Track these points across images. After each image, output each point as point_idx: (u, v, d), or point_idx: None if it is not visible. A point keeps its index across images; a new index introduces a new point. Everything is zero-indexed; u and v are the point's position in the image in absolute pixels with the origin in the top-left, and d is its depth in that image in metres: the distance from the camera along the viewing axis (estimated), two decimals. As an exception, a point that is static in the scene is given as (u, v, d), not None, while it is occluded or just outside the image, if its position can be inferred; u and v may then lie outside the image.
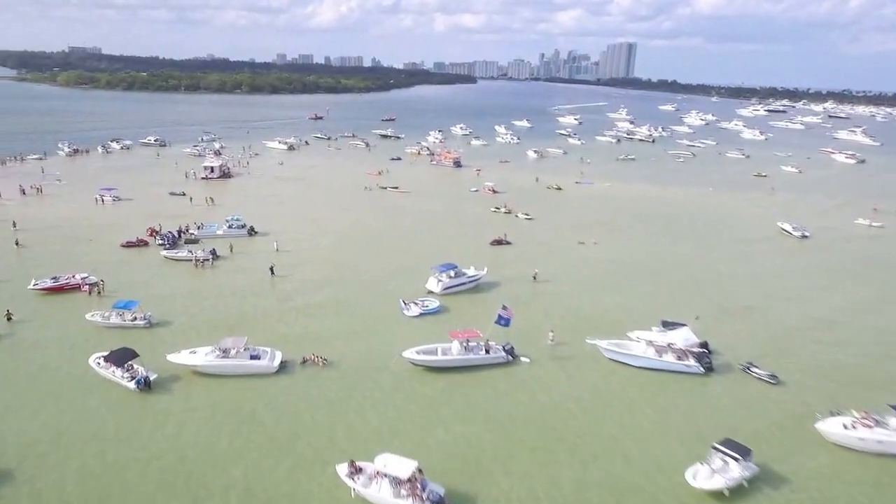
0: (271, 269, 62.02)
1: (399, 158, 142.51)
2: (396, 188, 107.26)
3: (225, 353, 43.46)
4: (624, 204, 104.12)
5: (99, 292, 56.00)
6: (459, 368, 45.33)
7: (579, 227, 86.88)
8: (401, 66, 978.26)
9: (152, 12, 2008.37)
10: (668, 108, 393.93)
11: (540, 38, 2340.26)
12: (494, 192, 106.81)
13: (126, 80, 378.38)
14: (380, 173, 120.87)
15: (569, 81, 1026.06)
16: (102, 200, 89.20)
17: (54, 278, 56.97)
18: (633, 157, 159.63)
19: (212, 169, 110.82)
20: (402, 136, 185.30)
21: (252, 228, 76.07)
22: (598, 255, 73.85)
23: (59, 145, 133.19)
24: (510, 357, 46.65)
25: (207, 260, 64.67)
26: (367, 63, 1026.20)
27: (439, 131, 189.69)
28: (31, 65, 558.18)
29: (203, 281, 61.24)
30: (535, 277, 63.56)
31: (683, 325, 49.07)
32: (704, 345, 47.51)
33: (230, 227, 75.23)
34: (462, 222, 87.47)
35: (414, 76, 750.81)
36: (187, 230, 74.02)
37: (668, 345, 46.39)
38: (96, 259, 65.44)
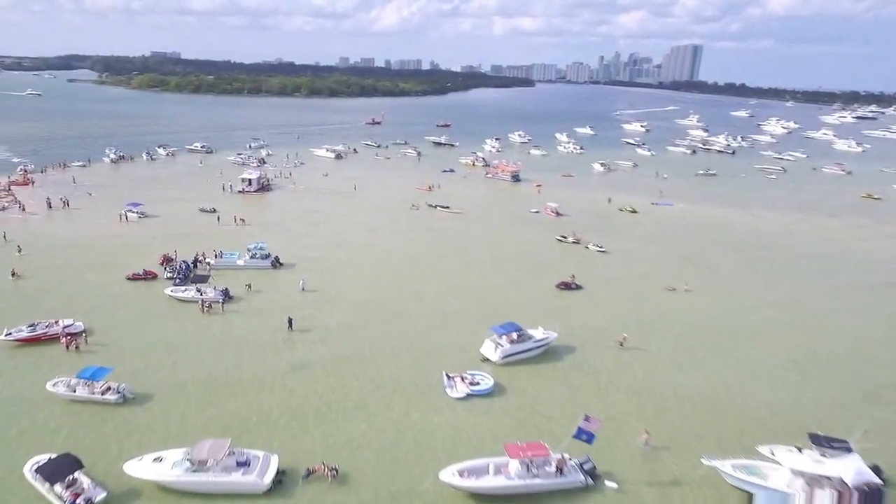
0: (290, 321, 49.72)
1: (452, 170, 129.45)
2: (447, 208, 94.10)
3: (200, 464, 31.24)
4: (711, 232, 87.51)
5: (77, 346, 45.13)
6: (519, 495, 31.76)
7: (663, 263, 71.41)
8: (458, 69, 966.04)
9: (228, 18, 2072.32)
10: (742, 114, 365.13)
11: (599, 40, 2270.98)
12: (558, 214, 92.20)
13: (193, 83, 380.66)
14: (430, 188, 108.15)
15: (629, 84, 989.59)
16: (126, 217, 79.84)
17: (31, 326, 46.55)
18: (713, 171, 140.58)
19: (249, 182, 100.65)
20: (457, 143, 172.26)
21: (277, 259, 64.44)
22: (692, 307, 58.31)
23: (106, 151, 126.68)
24: (590, 480, 32.67)
25: (217, 302, 53.17)
26: (425, 66, 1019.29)
27: (496, 139, 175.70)
28: (115, 68, 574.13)
29: (207, 331, 49.61)
30: (622, 343, 48.93)
31: (844, 443, 33.66)
32: (876, 470, 32.20)
33: (252, 256, 63.84)
34: (522, 254, 73.24)
35: (471, 79, 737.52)
36: (204, 259, 63.15)
37: (827, 477, 31.29)
38: (95, 294, 55.30)
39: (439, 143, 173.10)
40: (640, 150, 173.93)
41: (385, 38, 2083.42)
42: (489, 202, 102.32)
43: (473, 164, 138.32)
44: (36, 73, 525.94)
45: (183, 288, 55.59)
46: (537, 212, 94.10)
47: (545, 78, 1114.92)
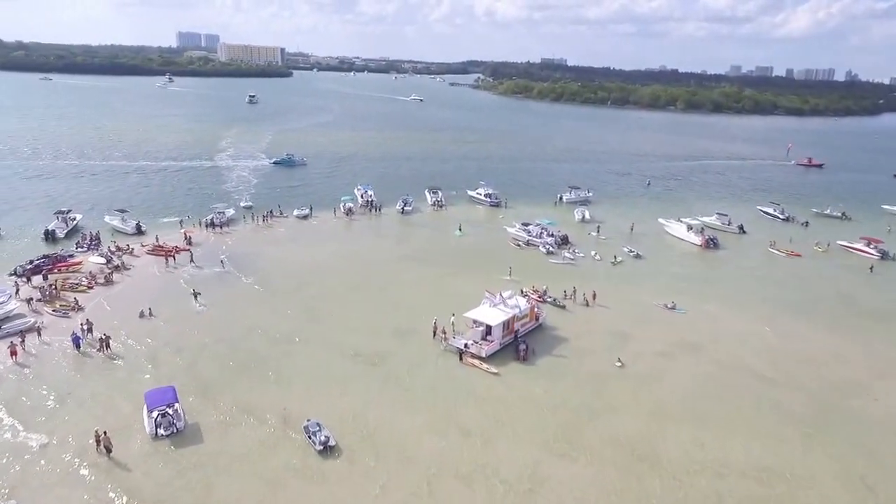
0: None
1: None
2: None
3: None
4: None
5: None
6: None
7: None
8: (886, 81, 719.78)
9: (618, 26, 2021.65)
10: None
11: None
12: None
13: (556, 90, 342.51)
14: None
15: None
16: (107, 448, 30.22)
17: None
18: None
19: (486, 333, 42.43)
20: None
21: None
22: None
23: (355, 192, 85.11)
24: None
25: None
26: (838, 77, 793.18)
27: None
28: (500, 73, 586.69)
29: None
30: None
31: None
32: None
33: None
34: None
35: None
36: None
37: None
38: None
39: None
40: None
41: (788, 44, 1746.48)
42: None
43: None
44: (432, 77, 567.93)
45: None
46: None
47: None
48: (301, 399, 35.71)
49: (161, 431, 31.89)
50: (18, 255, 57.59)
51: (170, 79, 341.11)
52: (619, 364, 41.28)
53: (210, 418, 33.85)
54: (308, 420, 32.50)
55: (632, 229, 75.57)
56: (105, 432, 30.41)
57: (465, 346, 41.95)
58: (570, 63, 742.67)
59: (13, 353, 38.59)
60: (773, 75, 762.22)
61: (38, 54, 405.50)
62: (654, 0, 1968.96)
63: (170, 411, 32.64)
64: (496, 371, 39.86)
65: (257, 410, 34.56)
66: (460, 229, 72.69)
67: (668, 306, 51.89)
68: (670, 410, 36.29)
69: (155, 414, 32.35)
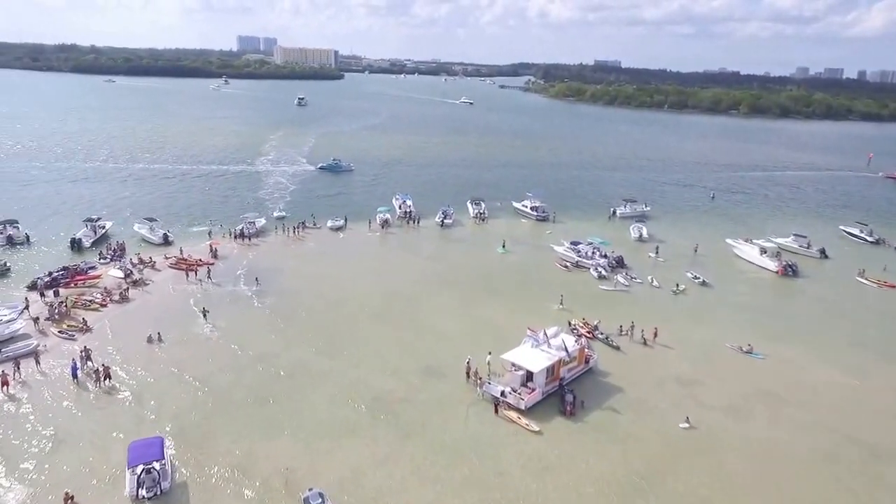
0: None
1: None
2: None
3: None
4: None
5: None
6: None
7: None
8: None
9: (676, 27, 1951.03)
10: None
11: None
12: None
13: (609, 93, 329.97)
14: None
15: None
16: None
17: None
18: None
19: (528, 378, 36.04)
20: None
21: None
22: None
23: (393, 202, 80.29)
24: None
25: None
26: None
27: None
28: (552, 76, 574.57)
29: None
30: None
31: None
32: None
33: None
34: None
35: None
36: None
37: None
38: None
39: None
40: None
41: (861, 44, 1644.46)
42: None
43: None
44: (482, 79, 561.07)
45: None
46: None
47: None
48: (305, 453, 30.77)
49: (143, 493, 27.41)
50: (44, 264, 55.35)
51: (225, 81, 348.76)
52: (686, 425, 34.45)
53: (201, 473, 29.29)
54: (309, 490, 27.33)
55: (695, 251, 67.70)
56: (73, 497, 26.09)
57: (503, 393, 36.07)
58: (625, 65, 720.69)
59: (5, 384, 35.23)
60: (844, 77, 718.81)
61: (107, 57, 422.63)
62: (714, 0, 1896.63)
63: (156, 467, 28.14)
64: (537, 429, 33.76)
65: (255, 467, 29.74)
66: (503, 246, 66.55)
67: (744, 350, 44.38)
68: (752, 492, 29.31)
69: (139, 470, 27.90)
